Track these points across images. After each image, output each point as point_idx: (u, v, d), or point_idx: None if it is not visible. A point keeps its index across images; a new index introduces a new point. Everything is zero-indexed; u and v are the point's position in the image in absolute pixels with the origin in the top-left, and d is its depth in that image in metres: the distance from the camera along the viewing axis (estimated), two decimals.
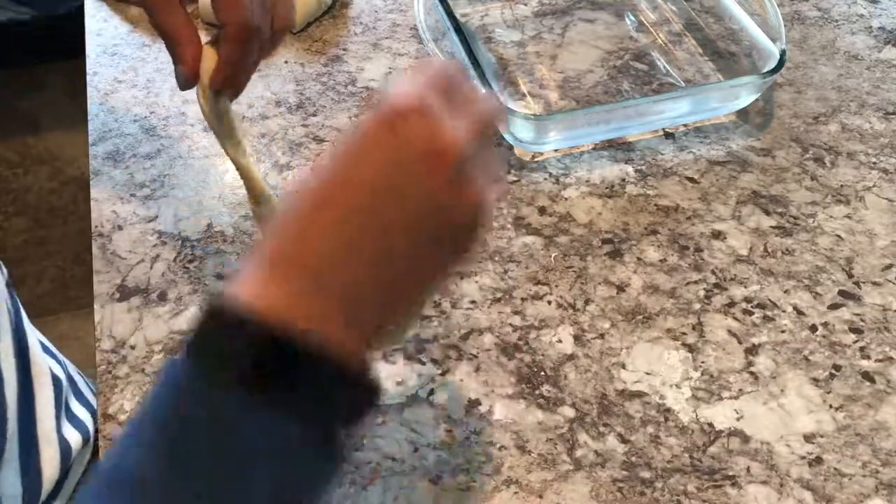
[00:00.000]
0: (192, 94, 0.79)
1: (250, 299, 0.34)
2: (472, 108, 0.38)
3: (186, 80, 0.50)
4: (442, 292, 0.41)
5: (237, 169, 0.53)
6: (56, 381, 0.62)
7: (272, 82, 0.80)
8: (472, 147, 0.37)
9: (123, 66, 0.82)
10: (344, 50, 0.84)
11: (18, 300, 0.60)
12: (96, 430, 0.65)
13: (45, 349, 0.64)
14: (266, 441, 0.33)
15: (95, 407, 0.66)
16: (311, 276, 0.35)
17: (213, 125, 0.52)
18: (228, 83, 0.51)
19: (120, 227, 0.68)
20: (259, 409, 0.33)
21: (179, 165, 0.73)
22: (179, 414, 0.33)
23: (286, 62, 0.82)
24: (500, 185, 0.41)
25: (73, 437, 0.61)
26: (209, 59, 0.51)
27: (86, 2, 0.89)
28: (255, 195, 0.54)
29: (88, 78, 0.81)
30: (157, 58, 0.82)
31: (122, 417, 0.57)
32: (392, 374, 0.59)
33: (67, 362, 0.68)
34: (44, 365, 0.61)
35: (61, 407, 0.61)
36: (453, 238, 0.37)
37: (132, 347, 0.61)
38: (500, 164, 0.40)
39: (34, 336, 0.62)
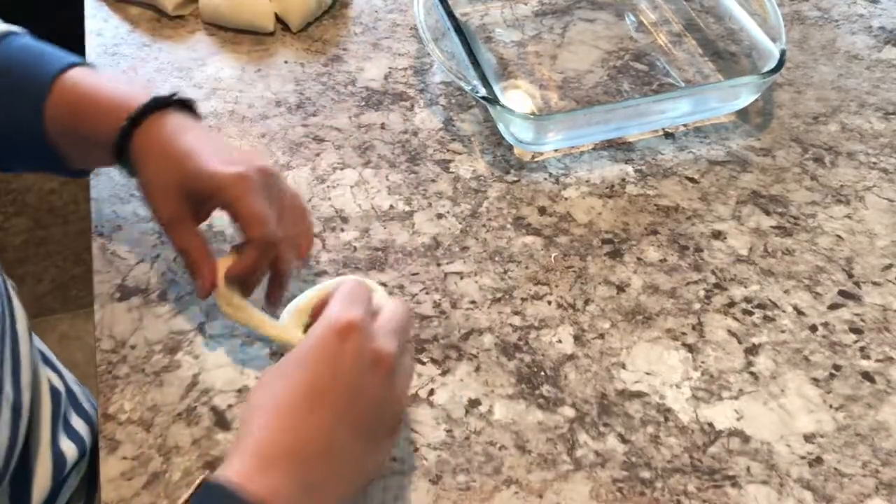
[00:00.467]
0: (192, 93, 0.79)
1: (245, 484, 0.42)
2: (386, 313, 0.49)
3: (205, 291, 0.56)
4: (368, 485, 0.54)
5: (273, 339, 0.57)
6: (55, 393, 0.61)
7: (272, 82, 0.80)
8: (398, 351, 0.48)
9: (123, 66, 0.82)
10: (344, 50, 0.84)
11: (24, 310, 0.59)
12: (94, 443, 0.65)
13: (45, 360, 0.64)
14: None
15: (94, 419, 0.65)
16: (299, 472, 0.43)
17: (240, 320, 0.57)
18: (242, 279, 0.56)
19: (120, 227, 0.68)
20: None
21: None
22: None
23: (286, 62, 0.82)
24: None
25: (69, 451, 0.60)
26: (225, 269, 0.56)
27: (86, 2, 0.89)
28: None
29: None
30: (157, 58, 0.82)
31: (123, 417, 0.57)
32: None
33: (66, 373, 0.67)
34: (45, 380, 0.61)
35: (59, 421, 0.60)
36: (389, 428, 0.48)
37: (132, 347, 0.61)
38: (412, 366, 0.52)
39: (37, 349, 0.61)
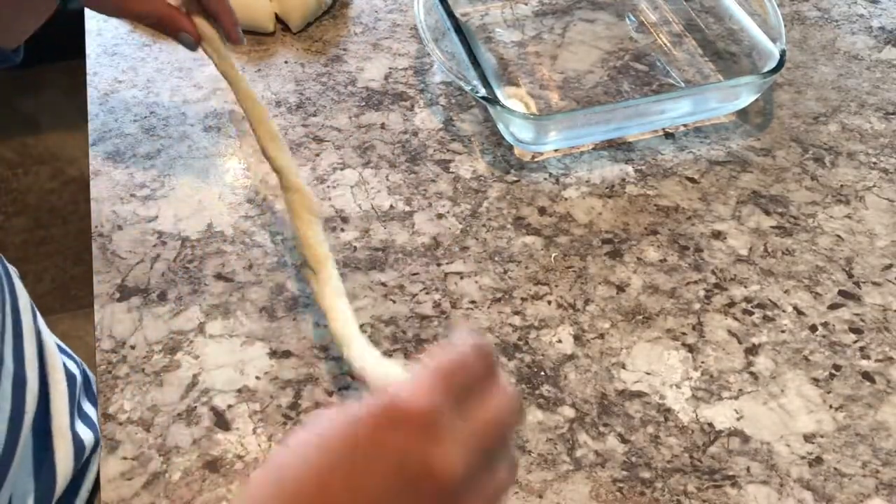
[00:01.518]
0: (192, 93, 0.80)
1: None
2: (488, 410, 0.36)
3: (193, 42, 0.57)
4: None
5: (248, 118, 0.61)
6: (70, 376, 0.61)
7: (272, 82, 0.80)
8: (472, 468, 0.34)
9: (123, 66, 0.82)
10: (344, 50, 0.84)
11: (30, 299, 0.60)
12: None
13: (60, 349, 0.64)
14: None
15: None
16: None
17: (229, 72, 0.61)
18: (224, 22, 0.59)
19: (120, 227, 0.68)
20: None
21: (179, 165, 0.73)
22: None
23: (286, 62, 0.82)
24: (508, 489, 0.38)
25: (87, 436, 0.61)
26: (202, 22, 0.59)
27: None
28: (266, 142, 0.61)
29: (88, 78, 0.81)
30: (157, 58, 0.82)
31: (122, 417, 0.57)
32: None
33: (81, 361, 0.68)
34: (58, 360, 0.61)
35: (74, 403, 0.61)
36: None
37: (132, 347, 0.61)
38: (513, 469, 0.38)
39: (48, 332, 0.62)
